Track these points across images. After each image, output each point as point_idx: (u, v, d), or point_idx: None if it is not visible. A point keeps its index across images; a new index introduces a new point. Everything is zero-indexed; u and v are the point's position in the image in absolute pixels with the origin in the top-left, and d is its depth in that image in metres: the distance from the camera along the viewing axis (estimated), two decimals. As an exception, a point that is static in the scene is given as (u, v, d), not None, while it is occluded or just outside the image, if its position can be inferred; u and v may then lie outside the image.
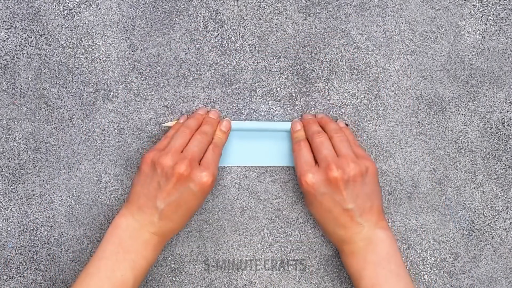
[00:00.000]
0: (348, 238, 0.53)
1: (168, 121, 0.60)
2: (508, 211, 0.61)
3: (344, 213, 0.53)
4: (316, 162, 0.55)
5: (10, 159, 0.60)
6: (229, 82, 0.60)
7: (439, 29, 0.61)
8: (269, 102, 0.61)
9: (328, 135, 0.56)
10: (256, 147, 0.60)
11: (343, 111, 0.61)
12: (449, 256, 0.60)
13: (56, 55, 0.60)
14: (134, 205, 0.54)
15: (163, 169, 0.53)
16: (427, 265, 0.60)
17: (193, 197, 0.54)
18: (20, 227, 0.60)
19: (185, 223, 0.56)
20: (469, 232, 0.61)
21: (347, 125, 0.60)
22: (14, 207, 0.60)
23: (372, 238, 0.53)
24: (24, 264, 0.60)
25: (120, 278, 0.51)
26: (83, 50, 0.60)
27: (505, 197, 0.61)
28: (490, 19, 0.61)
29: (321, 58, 0.61)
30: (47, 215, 0.60)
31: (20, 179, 0.60)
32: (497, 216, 0.61)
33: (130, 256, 0.52)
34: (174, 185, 0.53)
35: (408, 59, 0.61)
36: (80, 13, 0.60)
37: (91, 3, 0.60)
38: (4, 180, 0.60)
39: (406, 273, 0.53)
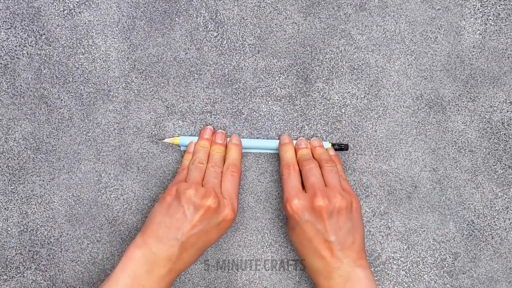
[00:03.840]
0: (326, 272, 0.52)
1: (168, 137, 0.60)
2: (508, 211, 0.61)
3: (325, 244, 0.52)
4: (303, 188, 0.55)
5: (10, 159, 0.60)
6: (229, 82, 0.60)
7: (439, 29, 0.61)
8: (269, 102, 0.61)
9: (318, 163, 0.57)
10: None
11: (343, 111, 0.61)
12: (449, 256, 0.60)
13: (56, 55, 0.60)
14: (152, 236, 0.53)
15: (189, 200, 0.53)
16: (427, 265, 0.60)
17: (215, 230, 0.54)
18: (20, 227, 0.60)
19: (197, 258, 0.55)
20: (469, 232, 0.61)
21: (341, 147, 0.60)
22: (14, 207, 0.60)
23: (351, 276, 0.52)
24: (24, 264, 0.60)
25: None
26: (83, 50, 0.60)
27: (505, 197, 0.61)
28: (490, 19, 0.61)
29: (321, 58, 0.61)
30: (47, 215, 0.60)
31: (20, 179, 0.60)
32: (497, 216, 0.61)
33: None
34: (201, 217, 0.52)
35: (408, 59, 0.61)
36: (80, 13, 0.60)
37: (91, 3, 0.60)
38: (4, 180, 0.60)
39: None
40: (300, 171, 0.57)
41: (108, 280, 0.51)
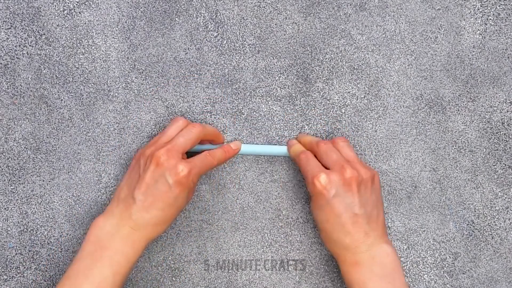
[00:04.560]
0: (354, 247, 0.52)
1: None
2: (508, 211, 0.61)
3: (353, 218, 0.51)
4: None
5: (10, 159, 0.60)
6: (229, 82, 0.60)
7: (439, 29, 0.61)
8: (269, 102, 0.61)
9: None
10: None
11: (343, 111, 0.61)
12: (449, 256, 0.60)
13: (56, 55, 0.60)
14: (115, 201, 0.53)
15: (145, 158, 0.53)
16: (427, 265, 0.60)
17: (169, 190, 0.51)
18: (20, 227, 0.60)
19: (165, 221, 0.53)
20: (469, 232, 0.61)
21: None
22: (14, 207, 0.60)
23: (378, 251, 0.52)
24: (24, 264, 0.60)
25: (98, 276, 0.49)
26: (83, 50, 0.60)
27: (505, 197, 0.61)
28: (490, 19, 0.61)
29: (321, 58, 0.61)
30: (47, 215, 0.60)
31: (20, 179, 0.60)
32: (497, 216, 0.61)
33: (107, 253, 0.50)
34: (152, 173, 0.52)
35: (408, 59, 0.61)
36: (80, 13, 0.60)
37: (91, 3, 0.60)
38: (4, 180, 0.60)
39: None
40: (317, 156, 0.56)
41: (77, 252, 0.52)
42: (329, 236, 0.53)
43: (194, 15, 0.60)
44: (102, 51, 0.60)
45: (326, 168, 0.54)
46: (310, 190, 0.53)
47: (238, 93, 0.61)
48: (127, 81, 0.60)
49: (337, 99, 0.61)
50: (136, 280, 0.60)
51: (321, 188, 0.52)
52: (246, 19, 0.60)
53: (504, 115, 0.61)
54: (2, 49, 0.60)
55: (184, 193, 0.52)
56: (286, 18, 0.60)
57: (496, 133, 0.61)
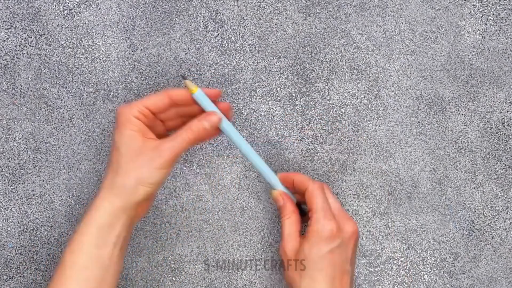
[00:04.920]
0: None
1: (191, 82, 0.52)
2: (508, 211, 0.61)
3: (344, 274, 0.51)
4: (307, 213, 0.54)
5: (10, 159, 0.60)
6: (229, 82, 0.60)
7: (439, 29, 0.61)
8: (269, 102, 0.61)
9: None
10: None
11: (343, 111, 0.61)
12: (449, 256, 0.60)
13: (56, 55, 0.60)
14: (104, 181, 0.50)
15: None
16: (427, 265, 0.60)
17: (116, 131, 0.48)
18: (20, 227, 0.60)
19: (127, 177, 0.47)
20: (469, 232, 0.61)
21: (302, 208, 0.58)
22: (14, 207, 0.60)
23: None
24: (24, 264, 0.60)
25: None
26: (83, 50, 0.60)
27: (505, 197, 0.61)
28: (490, 19, 0.61)
29: (321, 58, 0.61)
30: (47, 215, 0.60)
31: (20, 179, 0.60)
32: (497, 216, 0.61)
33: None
34: (115, 130, 0.49)
35: (408, 59, 0.61)
36: (80, 13, 0.60)
37: (91, 3, 0.60)
38: (4, 180, 0.60)
39: None
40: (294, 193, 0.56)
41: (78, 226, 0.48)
42: (315, 286, 0.49)
43: (194, 15, 0.60)
44: (102, 51, 0.60)
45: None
46: (315, 230, 0.50)
47: (238, 93, 0.61)
48: (127, 81, 0.60)
49: (337, 99, 0.61)
50: (136, 280, 0.60)
51: (331, 234, 0.50)
52: (246, 19, 0.60)
53: (504, 115, 0.61)
54: (2, 49, 0.60)
55: (123, 134, 0.47)
56: (286, 18, 0.60)
57: (496, 133, 0.61)
